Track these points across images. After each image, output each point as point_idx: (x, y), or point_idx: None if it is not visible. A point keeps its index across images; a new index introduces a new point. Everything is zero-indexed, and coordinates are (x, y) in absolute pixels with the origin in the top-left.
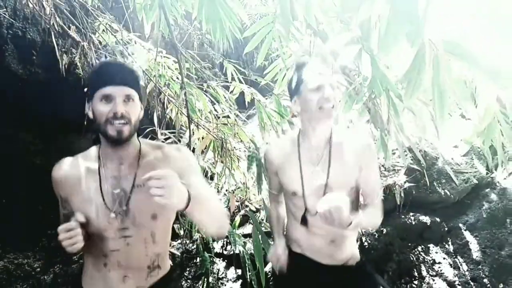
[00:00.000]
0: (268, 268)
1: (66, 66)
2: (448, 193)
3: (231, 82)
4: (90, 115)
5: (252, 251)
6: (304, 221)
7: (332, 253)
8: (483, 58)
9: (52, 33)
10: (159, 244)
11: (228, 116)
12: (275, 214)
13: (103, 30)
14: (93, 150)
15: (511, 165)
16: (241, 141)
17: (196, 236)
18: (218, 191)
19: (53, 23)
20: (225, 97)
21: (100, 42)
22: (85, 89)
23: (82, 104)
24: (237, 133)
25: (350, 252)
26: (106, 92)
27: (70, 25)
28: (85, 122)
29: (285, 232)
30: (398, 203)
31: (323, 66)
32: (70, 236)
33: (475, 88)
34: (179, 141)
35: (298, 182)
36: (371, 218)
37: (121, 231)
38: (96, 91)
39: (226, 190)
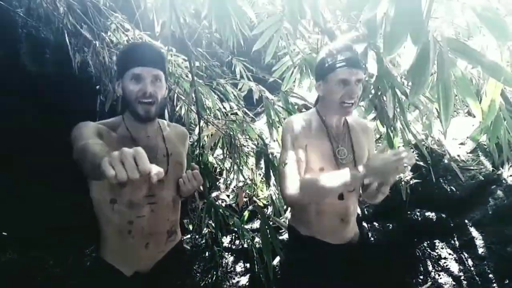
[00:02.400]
0: (275, 262)
1: (78, 64)
2: (454, 189)
3: (239, 80)
4: (119, 92)
5: (260, 246)
6: (341, 196)
7: (342, 232)
8: (486, 55)
9: (65, 32)
10: (177, 210)
11: (236, 113)
12: (314, 176)
13: (114, 29)
14: (117, 120)
15: None
16: (250, 138)
17: (205, 230)
18: (226, 187)
19: (66, 22)
20: (233, 95)
21: (111, 41)
22: (115, 68)
23: (93, 101)
24: (245, 129)
25: (355, 229)
26: (136, 72)
27: (83, 24)
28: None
29: (293, 216)
30: (404, 199)
31: (356, 60)
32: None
33: (479, 84)
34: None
35: (329, 158)
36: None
37: (148, 197)
38: (127, 71)
39: (234, 186)
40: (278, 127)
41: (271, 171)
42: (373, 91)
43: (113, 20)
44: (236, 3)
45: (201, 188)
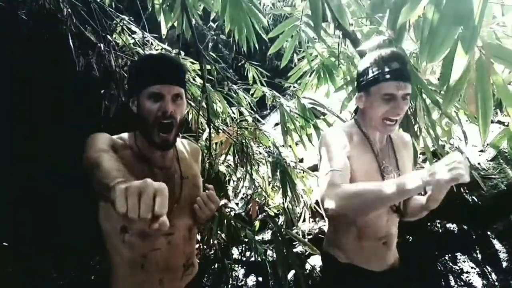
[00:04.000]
0: (290, 275)
1: (83, 67)
2: (476, 199)
3: (252, 85)
4: (134, 109)
5: (271, 259)
6: (397, 209)
7: (384, 257)
8: None
9: (69, 34)
10: (193, 240)
11: (246, 120)
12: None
13: (119, 32)
14: (128, 136)
15: None
16: (261, 144)
17: (215, 242)
18: (235, 195)
19: (69, 24)
20: (246, 100)
21: (117, 44)
22: (128, 81)
23: (98, 106)
24: (258, 137)
25: (396, 254)
26: (156, 90)
27: (87, 26)
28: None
29: (328, 241)
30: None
31: (404, 71)
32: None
33: None
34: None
35: (374, 174)
36: None
37: None
38: (145, 88)
39: (244, 194)
40: (295, 135)
41: (287, 181)
42: None
43: (118, 22)
44: (253, 4)
45: None
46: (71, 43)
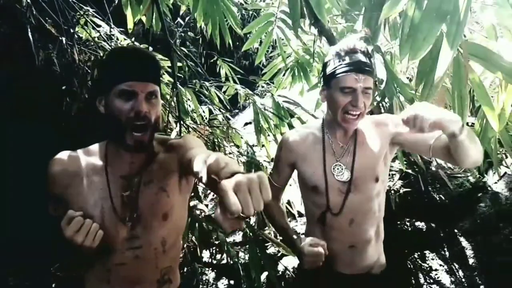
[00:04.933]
0: (263, 277)
1: (42, 62)
2: (443, 198)
3: (224, 82)
4: (102, 110)
5: (243, 261)
6: (322, 219)
7: (352, 260)
8: (508, 60)
9: (28, 26)
10: (170, 253)
11: (216, 118)
12: (280, 209)
13: (83, 24)
14: (96, 146)
15: (502, 169)
16: (235, 145)
17: (184, 245)
18: (205, 196)
19: (29, 16)
20: (218, 98)
21: (80, 38)
22: (95, 78)
23: (59, 103)
24: (230, 136)
25: (373, 259)
26: (128, 88)
27: (47, 18)
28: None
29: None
30: (393, 208)
31: (364, 64)
32: (79, 226)
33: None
34: None
35: (320, 176)
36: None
37: (129, 241)
38: (114, 85)
39: (214, 195)
40: (268, 135)
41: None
42: (378, 98)
43: (82, 14)
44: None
45: None
46: (30, 35)
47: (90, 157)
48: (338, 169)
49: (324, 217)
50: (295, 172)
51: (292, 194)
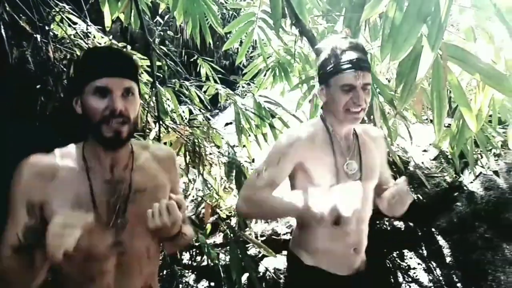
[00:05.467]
0: (244, 279)
1: (16, 60)
2: (421, 197)
3: (205, 82)
4: (79, 110)
5: (223, 262)
6: (337, 221)
7: (353, 262)
8: (486, 62)
9: (1, 23)
10: (153, 260)
11: (196, 118)
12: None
13: (57, 23)
14: (73, 147)
15: (477, 169)
16: (216, 145)
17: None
18: (185, 197)
19: (2, 12)
20: (199, 97)
21: (55, 35)
22: (71, 78)
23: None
24: (211, 136)
25: (363, 256)
26: (102, 84)
27: (21, 15)
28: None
29: (294, 241)
30: (373, 208)
31: (362, 61)
32: (63, 234)
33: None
34: None
35: (332, 175)
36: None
37: (113, 248)
38: (88, 82)
39: (194, 196)
40: (249, 135)
41: (242, 182)
42: None
43: (58, 10)
44: None
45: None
46: (3, 32)
47: (67, 159)
48: (350, 166)
49: (339, 219)
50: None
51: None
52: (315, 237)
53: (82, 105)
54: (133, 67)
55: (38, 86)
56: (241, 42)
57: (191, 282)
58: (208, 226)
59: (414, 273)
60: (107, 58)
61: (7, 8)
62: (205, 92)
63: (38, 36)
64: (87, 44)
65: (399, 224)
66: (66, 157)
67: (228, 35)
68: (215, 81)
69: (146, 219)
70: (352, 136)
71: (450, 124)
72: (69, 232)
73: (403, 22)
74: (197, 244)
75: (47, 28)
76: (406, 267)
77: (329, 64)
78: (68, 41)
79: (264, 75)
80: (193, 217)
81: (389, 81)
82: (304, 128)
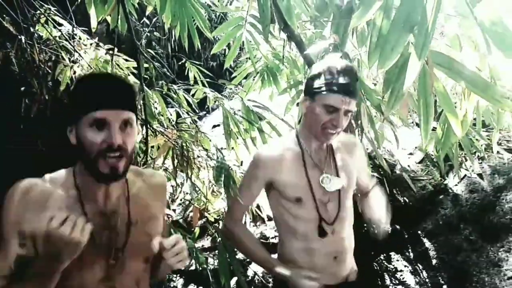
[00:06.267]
0: (233, 282)
1: (0, 61)
2: (407, 200)
3: (193, 85)
4: (73, 141)
5: (212, 267)
6: (322, 232)
7: (335, 271)
8: (474, 71)
9: None
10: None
11: (184, 122)
12: (249, 233)
13: (42, 24)
14: (63, 175)
15: (462, 172)
16: (202, 148)
17: None
18: (172, 201)
19: None
20: (186, 101)
21: (40, 37)
22: (66, 106)
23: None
24: (199, 140)
25: (350, 266)
26: (101, 116)
27: (5, 15)
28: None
29: (278, 254)
30: (360, 211)
31: (352, 87)
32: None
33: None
34: None
35: (304, 188)
36: (382, 201)
37: (103, 283)
38: (86, 113)
39: (181, 200)
40: (237, 138)
41: (231, 186)
42: None
43: (43, 12)
44: (198, 1)
45: None
46: None
47: (59, 187)
48: (326, 180)
49: (323, 230)
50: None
51: (261, 198)
52: (292, 250)
53: (77, 136)
54: (133, 96)
55: (22, 88)
56: (228, 45)
57: (179, 287)
58: (196, 230)
59: (401, 275)
60: (107, 88)
61: None
62: (193, 95)
63: (23, 38)
64: (72, 45)
65: (386, 227)
66: (57, 184)
67: (215, 38)
68: (203, 85)
69: (140, 252)
70: (325, 148)
71: (435, 128)
72: (74, 222)
73: (390, 31)
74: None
75: (31, 29)
76: (393, 270)
77: (321, 80)
78: (53, 42)
79: (253, 79)
80: (181, 220)
81: (375, 84)
82: (273, 145)
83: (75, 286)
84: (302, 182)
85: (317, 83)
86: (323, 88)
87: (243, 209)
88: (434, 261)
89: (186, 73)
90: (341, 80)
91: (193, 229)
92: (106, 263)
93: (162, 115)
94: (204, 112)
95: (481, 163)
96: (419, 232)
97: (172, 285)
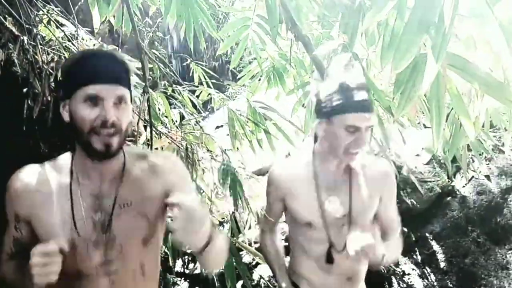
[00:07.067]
0: (239, 286)
1: (2, 62)
2: (415, 202)
3: (197, 86)
4: (66, 117)
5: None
6: (329, 259)
7: None
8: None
9: None
10: (149, 277)
11: (188, 123)
12: (273, 248)
13: (44, 25)
14: (64, 159)
15: (469, 173)
16: (207, 150)
17: None
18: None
19: None
20: (191, 102)
21: (43, 37)
22: (58, 82)
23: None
24: (204, 141)
25: (362, 285)
26: (93, 92)
27: (7, 16)
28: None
29: (291, 267)
30: None
31: (369, 102)
32: (46, 263)
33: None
34: None
35: (315, 211)
36: (394, 250)
37: (103, 266)
38: (78, 89)
39: None
40: (243, 139)
41: (238, 189)
42: None
43: (45, 12)
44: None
45: None
46: None
47: (56, 172)
48: (332, 203)
49: (331, 256)
50: None
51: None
52: (304, 268)
53: (70, 112)
54: (126, 72)
55: (25, 90)
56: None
57: None
58: None
59: (409, 278)
60: (100, 63)
61: None
62: (197, 96)
63: (25, 38)
64: (75, 46)
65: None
66: (55, 170)
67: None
68: (208, 86)
69: (135, 234)
70: (343, 171)
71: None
72: (50, 260)
73: (405, 31)
74: (189, 251)
75: (34, 30)
76: (401, 273)
77: (336, 100)
78: (56, 43)
79: (259, 80)
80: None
81: (381, 84)
82: (287, 164)
83: (72, 270)
84: (313, 205)
85: (332, 104)
86: (341, 109)
87: (269, 222)
88: (442, 264)
89: (190, 75)
90: (357, 97)
91: None
92: (103, 246)
93: (166, 117)
94: (207, 112)
95: (488, 164)
96: (427, 234)
97: None
